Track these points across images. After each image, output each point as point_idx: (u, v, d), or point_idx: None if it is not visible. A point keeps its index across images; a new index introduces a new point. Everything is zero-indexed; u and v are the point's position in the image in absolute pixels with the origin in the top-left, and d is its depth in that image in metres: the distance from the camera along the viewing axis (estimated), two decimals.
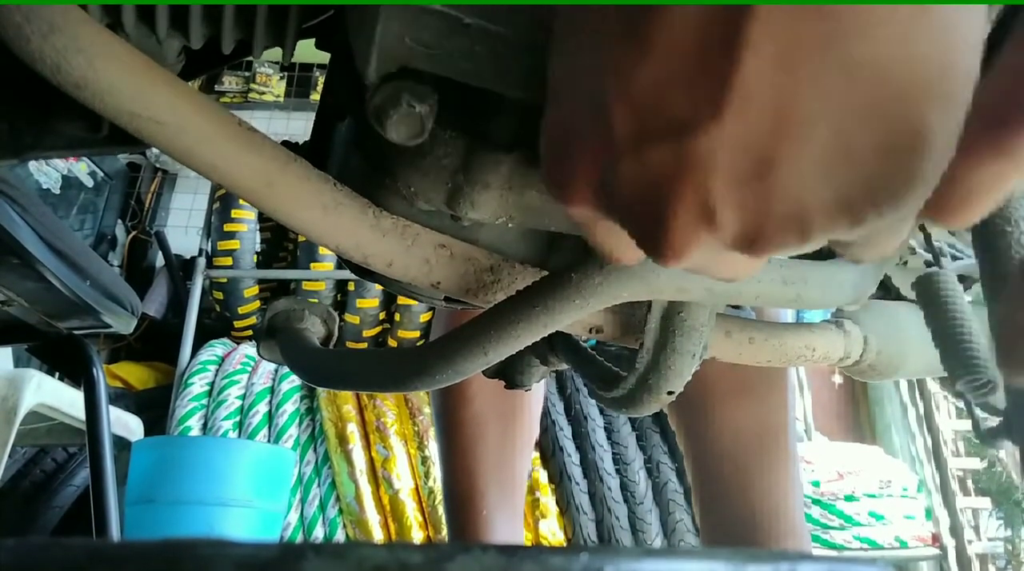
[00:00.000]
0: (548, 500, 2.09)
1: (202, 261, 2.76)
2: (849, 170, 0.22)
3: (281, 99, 4.12)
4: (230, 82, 4.11)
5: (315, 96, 4.09)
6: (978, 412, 0.64)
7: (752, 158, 0.22)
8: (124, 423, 1.66)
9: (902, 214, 0.23)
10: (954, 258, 0.73)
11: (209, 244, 2.83)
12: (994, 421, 0.58)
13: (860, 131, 0.22)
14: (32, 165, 3.06)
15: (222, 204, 2.80)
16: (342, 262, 0.50)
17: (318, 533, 2.07)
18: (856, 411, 3.49)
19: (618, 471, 2.13)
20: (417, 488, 2.10)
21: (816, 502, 2.40)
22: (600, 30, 0.24)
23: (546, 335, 0.47)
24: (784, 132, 0.22)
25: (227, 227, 2.79)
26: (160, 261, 3.44)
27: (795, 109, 0.21)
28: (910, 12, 0.20)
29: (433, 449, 2.10)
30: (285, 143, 0.44)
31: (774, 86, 0.21)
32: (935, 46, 0.21)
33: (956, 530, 2.50)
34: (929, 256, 0.68)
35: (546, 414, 2.19)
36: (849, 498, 2.40)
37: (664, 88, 0.22)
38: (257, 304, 2.86)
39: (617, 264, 0.30)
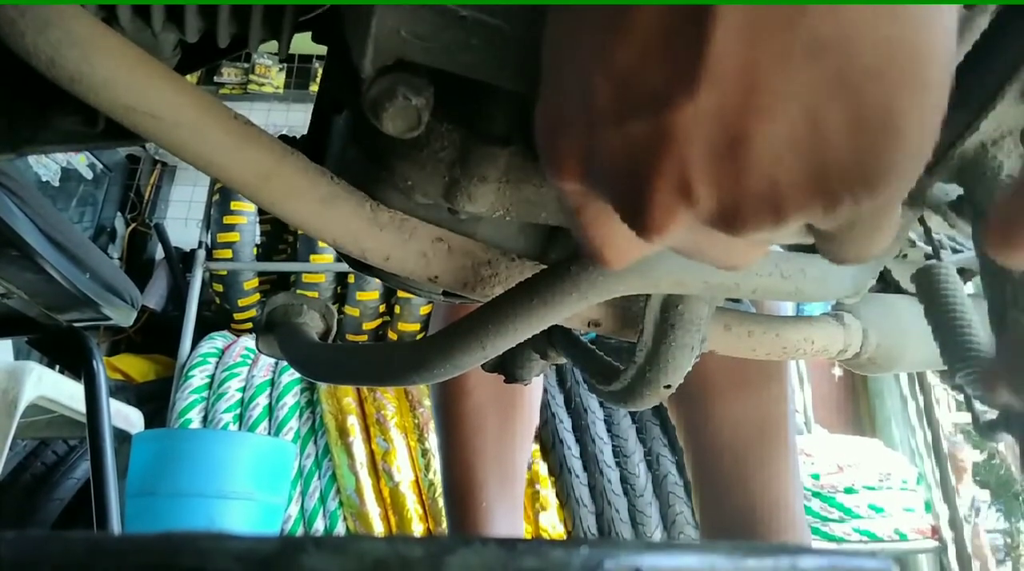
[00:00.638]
0: (548, 493, 2.09)
1: (202, 253, 2.77)
2: (820, 149, 0.22)
3: (280, 90, 4.12)
4: (229, 74, 4.10)
5: (315, 87, 4.08)
6: (977, 405, 0.64)
7: (725, 133, 0.23)
8: (124, 416, 1.67)
9: (879, 204, 0.23)
10: (954, 251, 0.73)
11: (209, 236, 2.83)
12: (993, 414, 0.58)
13: (829, 110, 0.22)
14: (31, 157, 3.05)
15: (221, 196, 2.80)
16: (340, 255, 0.50)
17: (319, 526, 2.07)
18: (856, 404, 3.49)
19: (618, 464, 2.14)
20: (417, 481, 2.11)
21: (816, 495, 2.40)
22: (587, 13, 0.25)
23: (544, 329, 0.47)
24: (755, 107, 0.22)
25: (227, 219, 2.79)
26: (160, 253, 3.44)
27: (765, 85, 0.22)
28: None
29: (433, 442, 2.10)
30: (283, 137, 0.44)
31: (744, 61, 0.21)
32: (904, 29, 0.21)
33: (955, 523, 2.50)
34: (929, 249, 0.68)
35: (546, 407, 2.20)
36: (849, 491, 2.41)
37: (642, 63, 0.23)
38: (257, 296, 2.86)
39: (602, 264, 0.30)
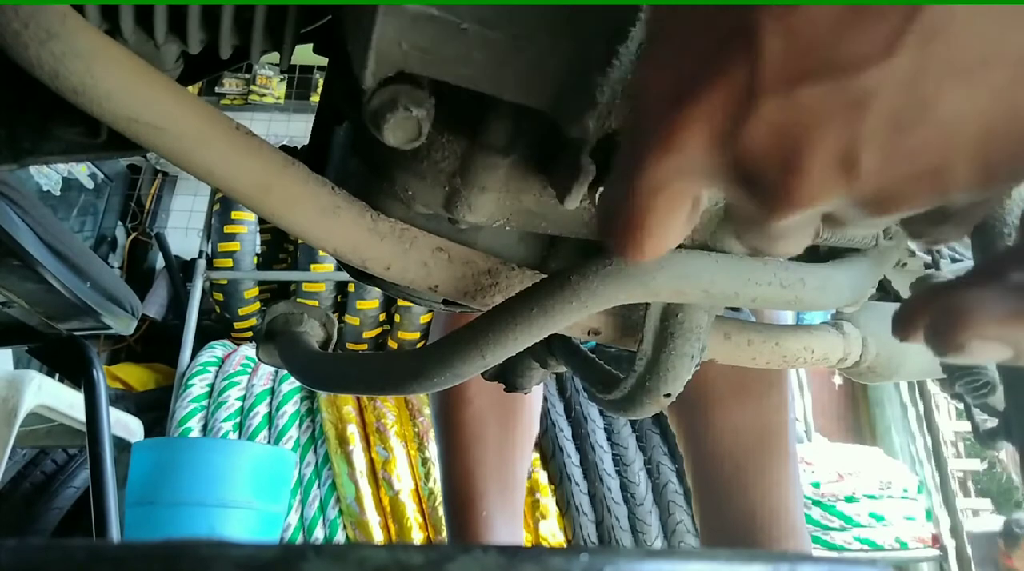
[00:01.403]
0: (548, 501, 2.09)
1: (202, 263, 2.77)
2: (1010, 130, 0.20)
3: (281, 101, 4.13)
4: (230, 84, 4.11)
5: (315, 98, 4.09)
6: (977, 414, 0.64)
7: (912, 102, 0.21)
8: (124, 424, 1.66)
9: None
10: (953, 260, 0.74)
11: (209, 246, 2.83)
12: (993, 422, 0.58)
13: None
14: (32, 167, 3.06)
15: (222, 206, 2.80)
16: (341, 265, 0.51)
17: (318, 534, 2.07)
18: (856, 412, 3.48)
19: (618, 472, 2.13)
20: (417, 489, 2.10)
21: (816, 503, 2.39)
22: None
23: (544, 338, 0.47)
24: (956, 75, 0.20)
25: (227, 229, 2.79)
26: (160, 263, 3.44)
27: (971, 50, 0.20)
28: None
29: (433, 450, 2.10)
30: (284, 148, 0.44)
31: (957, 24, 0.19)
32: None
33: (956, 531, 2.49)
34: (928, 258, 0.68)
35: (546, 415, 2.19)
36: (849, 499, 2.40)
37: (834, 24, 0.21)
38: (257, 306, 2.86)
39: (629, 252, 0.27)
